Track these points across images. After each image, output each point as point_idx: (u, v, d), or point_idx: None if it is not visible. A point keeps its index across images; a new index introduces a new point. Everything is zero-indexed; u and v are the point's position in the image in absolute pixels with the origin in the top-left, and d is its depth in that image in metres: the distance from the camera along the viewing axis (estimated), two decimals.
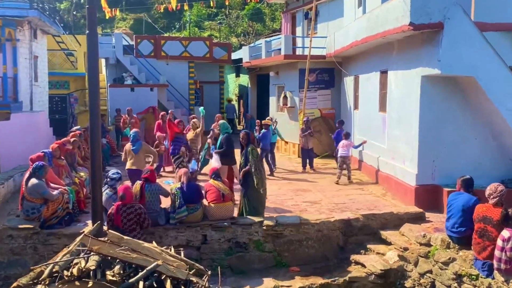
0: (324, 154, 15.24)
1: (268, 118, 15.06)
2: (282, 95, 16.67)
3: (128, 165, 9.94)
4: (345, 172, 11.86)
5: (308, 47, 14.88)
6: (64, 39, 18.82)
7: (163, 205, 8.14)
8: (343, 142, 12.02)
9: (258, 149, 10.21)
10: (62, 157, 9.38)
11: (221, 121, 10.39)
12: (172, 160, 11.39)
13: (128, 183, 9.23)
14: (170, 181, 10.49)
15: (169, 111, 13.19)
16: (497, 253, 6.09)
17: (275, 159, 13.54)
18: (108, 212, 7.33)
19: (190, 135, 11.96)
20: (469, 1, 9.67)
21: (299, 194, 10.65)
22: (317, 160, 14.21)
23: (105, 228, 7.07)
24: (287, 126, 16.69)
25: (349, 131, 13.46)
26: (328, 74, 15.89)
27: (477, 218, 6.47)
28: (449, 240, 7.19)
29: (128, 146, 10.08)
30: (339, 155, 12.04)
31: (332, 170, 12.19)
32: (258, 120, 15.02)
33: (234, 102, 26.58)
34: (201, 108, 12.20)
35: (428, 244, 7.57)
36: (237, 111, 26.13)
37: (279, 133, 15.29)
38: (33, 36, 15.56)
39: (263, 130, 13.00)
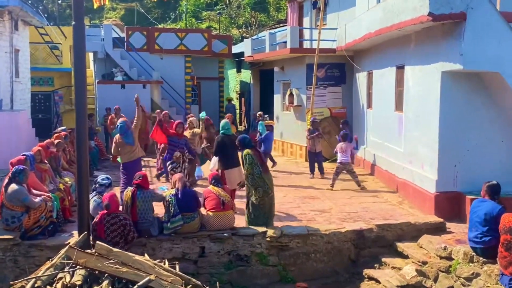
0: (334, 157, 15.21)
1: (259, 113, 15.11)
2: (288, 92, 16.69)
3: (124, 159, 9.81)
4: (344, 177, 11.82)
5: (316, 40, 14.89)
6: (48, 31, 18.85)
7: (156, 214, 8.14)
8: (340, 145, 11.65)
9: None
10: (45, 161, 9.39)
11: (222, 121, 10.47)
12: (167, 166, 11.45)
13: (117, 189, 9.27)
14: (165, 187, 10.53)
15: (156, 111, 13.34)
16: None
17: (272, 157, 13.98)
18: (93, 222, 7.33)
19: (186, 134, 12.05)
20: None
21: (307, 202, 10.65)
22: (326, 164, 14.19)
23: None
24: (293, 127, 16.71)
25: (362, 133, 13.47)
26: (338, 69, 15.89)
27: (504, 229, 6.44)
28: (473, 253, 7.17)
29: (119, 137, 9.85)
30: (338, 161, 11.73)
31: (344, 175, 12.16)
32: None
33: (235, 102, 26.61)
34: (203, 113, 12.31)
35: (449, 258, 7.55)
36: (237, 111, 26.15)
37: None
38: (14, 27, 15.59)
39: (266, 132, 13.05)
